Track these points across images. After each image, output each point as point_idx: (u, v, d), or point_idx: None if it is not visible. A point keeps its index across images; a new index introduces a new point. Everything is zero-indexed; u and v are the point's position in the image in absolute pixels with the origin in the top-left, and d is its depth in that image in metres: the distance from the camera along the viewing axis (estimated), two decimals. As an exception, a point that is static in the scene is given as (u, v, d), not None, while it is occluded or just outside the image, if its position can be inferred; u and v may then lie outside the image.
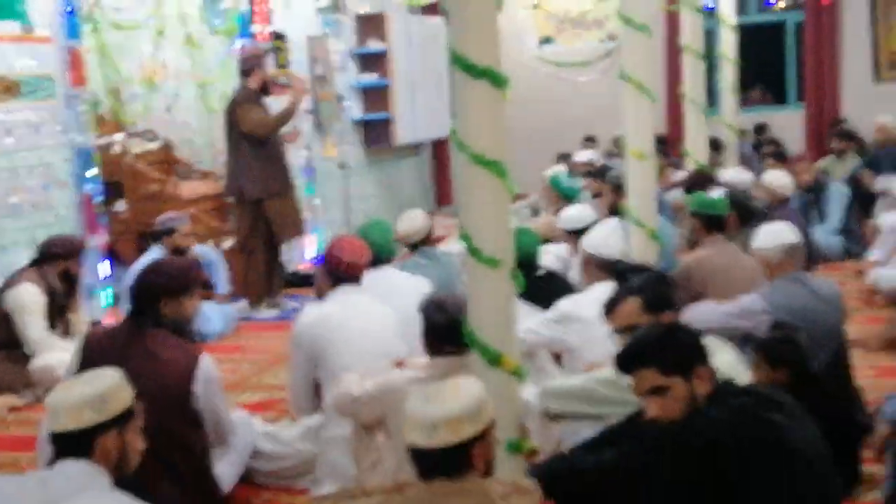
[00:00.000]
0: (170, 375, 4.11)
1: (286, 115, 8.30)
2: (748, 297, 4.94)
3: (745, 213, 6.76)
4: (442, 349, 3.98)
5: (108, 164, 8.79)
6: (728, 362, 3.75)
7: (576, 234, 6.23)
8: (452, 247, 7.32)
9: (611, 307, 4.04)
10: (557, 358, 5.09)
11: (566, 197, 8.31)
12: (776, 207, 7.63)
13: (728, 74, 10.34)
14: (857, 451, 4.36)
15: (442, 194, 14.01)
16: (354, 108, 11.75)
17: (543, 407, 3.94)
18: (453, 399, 2.79)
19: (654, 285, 4.10)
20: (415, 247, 6.36)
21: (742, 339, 4.93)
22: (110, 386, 3.07)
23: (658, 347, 3.22)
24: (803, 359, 4.28)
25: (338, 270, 4.82)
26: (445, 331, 3.94)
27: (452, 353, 3.94)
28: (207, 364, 4.25)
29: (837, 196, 9.31)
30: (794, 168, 9.25)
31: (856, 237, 9.20)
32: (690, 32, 8.55)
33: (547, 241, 7.26)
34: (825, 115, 13.61)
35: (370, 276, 5.04)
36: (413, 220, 6.37)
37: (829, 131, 12.20)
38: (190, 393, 4.15)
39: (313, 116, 10.15)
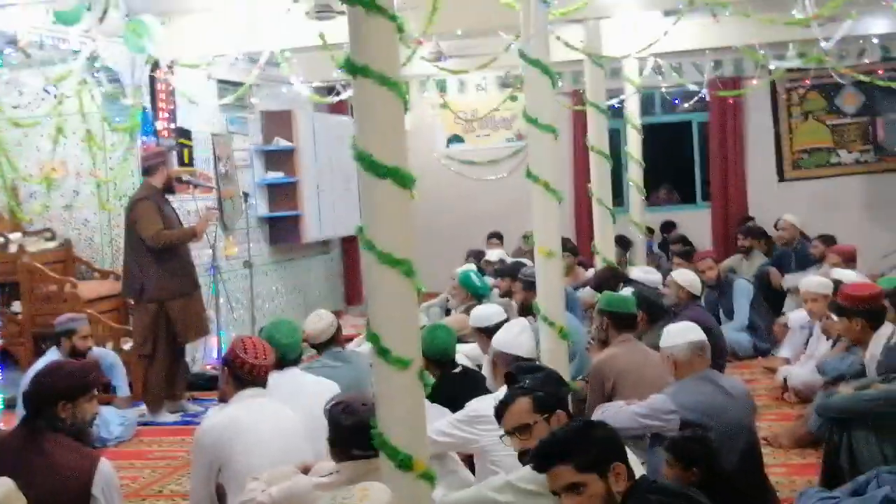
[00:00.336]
0: (67, 481, 3.93)
1: (185, 238, 8.17)
2: (656, 397, 4.92)
3: (653, 311, 6.78)
4: (349, 453, 3.86)
5: (4, 264, 8.56)
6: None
7: (486, 333, 6.18)
8: (362, 346, 7.20)
9: (502, 409, 3.99)
10: (468, 459, 4.98)
11: (477, 295, 8.27)
12: (685, 305, 7.68)
13: (634, 173, 10.51)
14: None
15: (352, 292, 13.89)
16: (260, 206, 11.65)
17: None
18: (363, 504, 2.69)
19: (544, 385, 4.05)
20: (323, 347, 6.22)
21: (652, 439, 4.90)
22: (1, 497, 2.91)
23: (574, 444, 3.17)
24: (713, 456, 4.27)
25: (241, 372, 4.67)
26: (352, 434, 3.83)
27: (360, 456, 3.82)
28: (106, 468, 4.07)
29: (743, 293, 9.43)
30: (699, 265, 9.37)
31: (763, 334, 9.31)
32: (596, 132, 8.68)
33: (458, 339, 7.19)
34: (731, 213, 13.90)
35: (275, 378, 4.89)
36: (320, 320, 6.25)
37: (736, 229, 12.43)
38: (89, 498, 3.96)
39: (217, 214, 10.02)
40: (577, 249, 11.92)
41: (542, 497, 3.41)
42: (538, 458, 3.23)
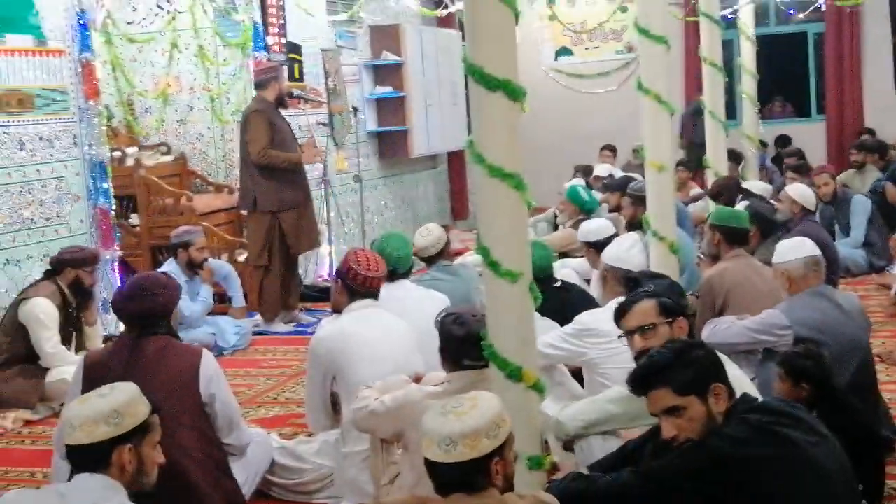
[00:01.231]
0: (176, 378, 4.16)
1: (289, 162, 8.19)
2: (770, 312, 4.85)
3: (767, 225, 6.67)
4: (460, 363, 3.91)
5: (121, 177, 8.77)
6: (735, 377, 3.69)
7: (595, 247, 6.16)
8: (470, 260, 7.26)
9: (625, 308, 4.01)
10: (577, 373, 5.01)
11: (585, 210, 8.24)
12: (798, 220, 7.54)
13: (748, 85, 10.27)
14: (881, 467, 4.28)
15: (459, 207, 13.95)
16: (369, 121, 11.71)
17: (558, 434, 3.88)
18: (472, 414, 2.75)
19: (668, 292, 4.06)
20: (432, 260, 6.29)
21: (764, 355, 4.86)
22: (125, 400, 3.06)
23: (671, 367, 3.16)
24: (826, 374, 4.23)
25: (354, 284, 4.75)
26: (463, 344, 3.88)
27: (471, 367, 3.88)
28: (209, 359, 4.33)
29: (860, 209, 9.20)
30: (815, 180, 9.17)
31: (879, 250, 9.10)
32: (709, 44, 8.47)
33: (565, 254, 7.20)
34: (847, 126, 13.52)
35: (387, 290, 4.97)
36: (430, 234, 6.31)
37: (851, 144, 12.10)
38: (197, 392, 4.19)
39: (327, 129, 10.11)
40: (692, 164, 11.78)
41: None
42: (636, 381, 3.23)
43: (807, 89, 14.33)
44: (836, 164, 12.66)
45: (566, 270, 6.52)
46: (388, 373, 4.35)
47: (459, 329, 3.90)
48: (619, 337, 4.09)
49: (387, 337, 4.65)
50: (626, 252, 5.03)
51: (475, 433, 2.73)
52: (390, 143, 11.97)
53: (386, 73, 11.75)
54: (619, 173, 10.63)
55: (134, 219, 9.31)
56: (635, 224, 6.98)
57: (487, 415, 2.77)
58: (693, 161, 11.64)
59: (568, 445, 4.01)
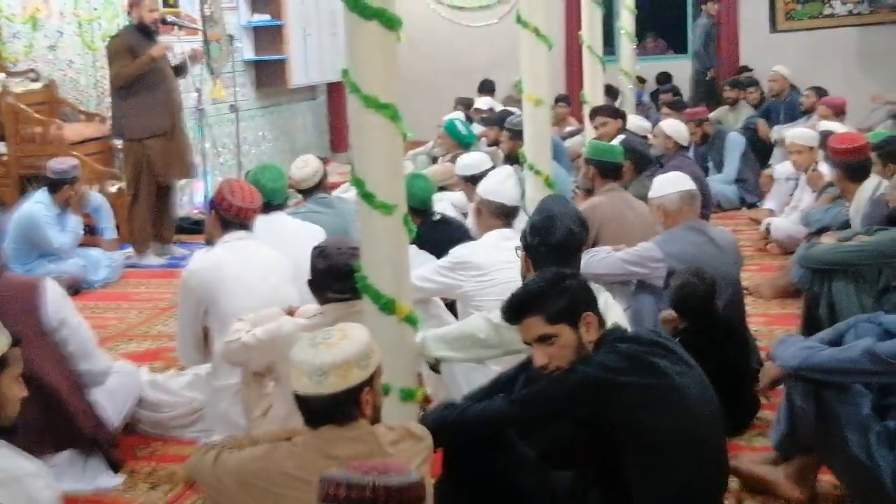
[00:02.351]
0: (18, 310, 4.00)
1: (142, 67, 7.86)
2: (645, 245, 4.94)
3: (640, 161, 6.76)
4: (326, 296, 3.90)
5: (-13, 105, 8.47)
6: (609, 306, 3.76)
7: (472, 181, 6.17)
8: (348, 193, 7.20)
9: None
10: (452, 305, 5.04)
11: (463, 144, 8.22)
12: (672, 156, 7.67)
13: (626, 21, 10.33)
14: (750, 396, 4.43)
15: (338, 139, 13.81)
16: (246, 49, 11.48)
17: (424, 355, 3.88)
18: (342, 345, 2.75)
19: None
20: (309, 193, 6.23)
21: (637, 286, 4.95)
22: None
23: (544, 296, 3.19)
24: (705, 307, 4.35)
25: (228, 215, 4.68)
26: (326, 277, 3.87)
27: (343, 299, 3.86)
28: (52, 286, 4.21)
29: (733, 145, 9.40)
30: (697, 118, 9.33)
31: (751, 186, 9.32)
32: (588, -22, 8.49)
33: (443, 188, 7.20)
34: (723, 64, 13.74)
35: (261, 222, 4.91)
36: (306, 166, 6.23)
37: (723, 81, 12.33)
38: (42, 321, 4.08)
39: (203, 57, 9.88)
40: (570, 100, 11.85)
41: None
42: (510, 310, 3.25)
43: (684, 26, 14.51)
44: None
45: (444, 203, 6.51)
46: (262, 305, 4.32)
47: (322, 262, 3.90)
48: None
49: (261, 269, 4.61)
50: (501, 185, 5.03)
51: (346, 363, 2.73)
52: (268, 73, 11.76)
53: (263, 0, 11.51)
54: (499, 107, 10.65)
55: (1, 147, 9.00)
56: (513, 158, 7.00)
57: (357, 345, 2.77)
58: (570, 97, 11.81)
59: (436, 368, 4.02)
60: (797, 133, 7.71)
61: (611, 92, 10.27)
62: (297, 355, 2.77)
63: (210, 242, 4.88)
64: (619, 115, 8.20)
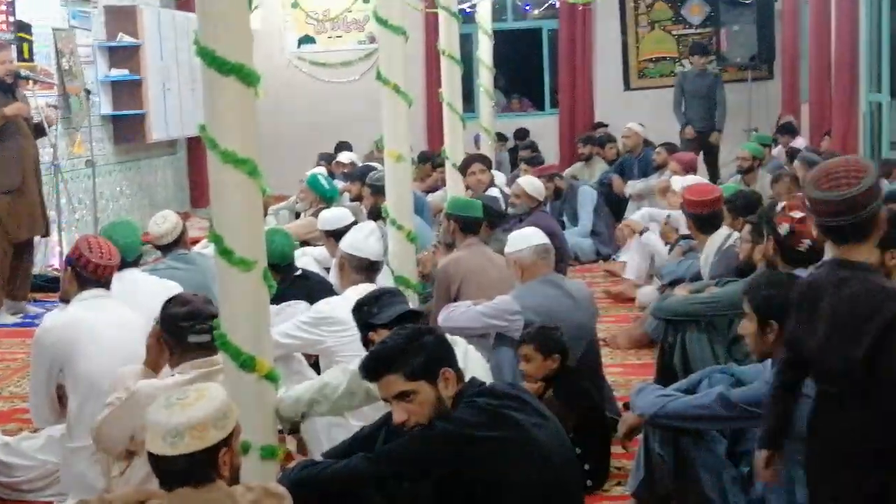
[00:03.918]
0: None
1: None
2: (502, 298, 5.02)
3: (498, 216, 6.87)
4: (188, 340, 3.85)
5: None
6: (471, 359, 3.81)
7: (334, 236, 6.18)
8: (208, 249, 7.12)
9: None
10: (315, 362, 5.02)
11: (325, 198, 8.22)
12: (529, 211, 7.80)
13: (485, 79, 10.53)
14: (607, 446, 4.52)
15: (199, 194, 13.64)
16: (104, 104, 11.29)
17: (282, 414, 3.85)
18: (198, 405, 2.71)
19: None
20: (168, 249, 6.14)
21: (496, 340, 5.01)
22: None
23: (402, 353, 3.20)
24: (568, 348, 4.45)
25: (85, 272, 4.59)
26: (192, 318, 3.85)
27: (204, 345, 3.83)
28: None
29: (587, 199, 9.64)
30: (547, 173, 9.53)
31: (606, 239, 9.55)
32: (447, 37, 8.61)
33: (306, 243, 7.19)
34: (578, 120, 14.13)
35: (117, 280, 4.81)
36: (165, 221, 6.14)
37: (577, 138, 12.63)
38: None
39: (60, 112, 9.68)
40: (433, 156, 11.96)
41: None
42: (368, 368, 3.26)
43: (542, 83, 14.86)
44: (568, 155, 13.24)
45: (306, 259, 6.51)
46: (119, 364, 4.22)
47: (181, 307, 3.89)
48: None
49: (117, 327, 4.51)
50: (364, 240, 5.05)
51: (202, 424, 2.70)
52: (126, 128, 11.56)
53: (122, 55, 11.35)
54: (361, 162, 10.69)
55: None
56: (377, 213, 7.04)
57: (214, 405, 2.74)
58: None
59: (294, 429, 3.99)
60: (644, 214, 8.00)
61: (501, 138, 10.38)
62: (152, 416, 2.73)
63: (66, 300, 4.77)
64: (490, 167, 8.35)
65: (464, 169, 8.29)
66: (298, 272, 5.70)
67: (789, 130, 11.44)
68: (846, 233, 2.94)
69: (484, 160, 8.47)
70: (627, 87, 14.31)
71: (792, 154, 9.60)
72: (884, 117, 10.02)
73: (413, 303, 5.74)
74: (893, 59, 9.42)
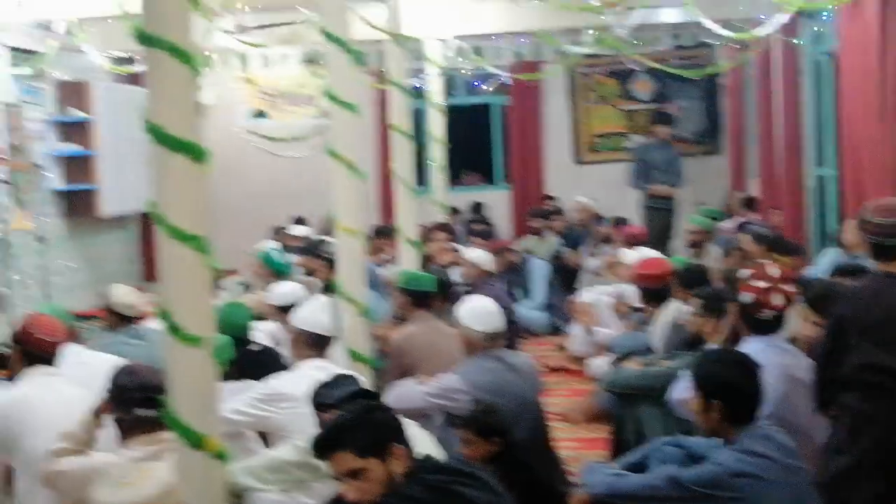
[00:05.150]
0: None
1: None
2: (447, 377, 5.01)
3: (449, 289, 6.88)
4: (136, 413, 3.80)
5: None
6: (418, 438, 3.79)
7: (286, 311, 6.15)
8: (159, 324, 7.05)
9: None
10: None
11: (278, 273, 8.20)
12: (479, 283, 7.82)
13: (437, 154, 10.61)
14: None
15: (151, 269, 13.53)
16: (54, 179, 11.22)
17: (232, 490, 3.80)
18: (142, 484, 2.68)
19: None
20: (125, 322, 6.07)
21: (445, 418, 4.99)
22: None
23: (353, 430, 3.19)
24: (509, 428, 4.41)
25: (33, 349, 4.54)
26: (141, 390, 3.81)
27: (151, 419, 3.77)
28: None
29: (539, 273, 9.68)
30: (500, 247, 9.58)
31: (558, 312, 9.58)
32: (398, 112, 8.71)
33: (259, 317, 7.14)
34: (530, 194, 14.23)
35: (68, 356, 4.76)
36: (131, 292, 6.11)
37: (528, 211, 12.72)
38: None
39: (8, 187, 9.62)
40: (387, 230, 11.98)
41: None
42: (319, 445, 3.24)
43: (493, 158, 15.00)
44: (520, 229, 13.32)
45: (258, 334, 6.47)
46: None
47: (130, 378, 3.86)
48: None
49: (66, 404, 4.44)
50: (313, 315, 5.04)
51: (146, 504, 2.66)
52: (77, 203, 11.48)
53: (73, 130, 11.30)
54: (315, 236, 10.69)
55: None
56: (329, 287, 7.02)
57: (158, 485, 2.70)
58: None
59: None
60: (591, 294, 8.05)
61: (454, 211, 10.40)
62: (97, 495, 2.69)
63: (12, 378, 4.71)
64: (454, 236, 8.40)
65: (426, 238, 8.32)
66: (253, 346, 5.67)
67: (750, 205, 11.59)
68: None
69: (446, 229, 8.51)
70: (578, 161, 14.49)
71: (742, 228, 9.73)
72: (829, 191, 10.17)
73: (369, 378, 5.73)
74: (837, 134, 9.60)
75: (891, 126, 7.62)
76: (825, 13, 9.09)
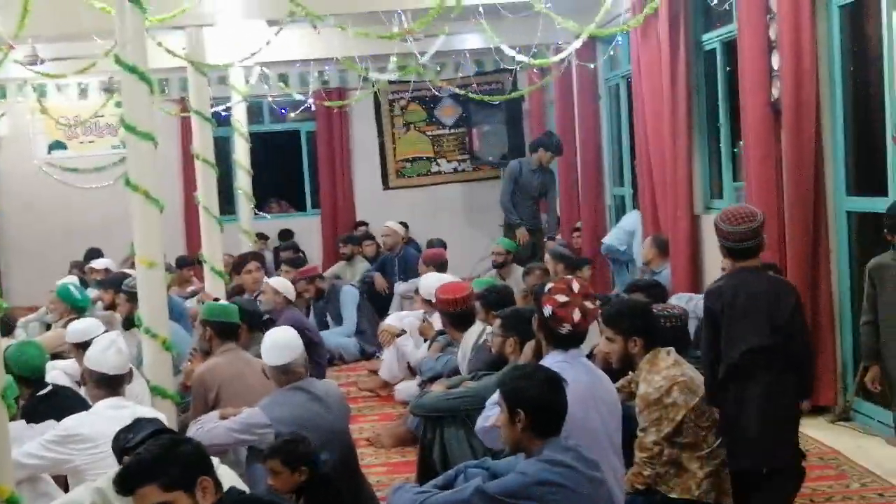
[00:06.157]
0: None
1: None
2: (250, 412, 4.93)
3: (253, 319, 6.79)
4: None
5: None
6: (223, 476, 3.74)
7: (83, 348, 5.95)
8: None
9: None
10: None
11: (77, 308, 7.92)
12: (281, 311, 7.76)
13: (243, 182, 10.53)
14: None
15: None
16: None
17: None
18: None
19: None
20: None
21: (249, 452, 4.93)
22: None
23: (158, 464, 3.14)
24: (316, 457, 4.39)
25: None
26: None
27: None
28: None
29: (349, 299, 9.68)
30: (309, 275, 9.54)
31: (369, 338, 9.57)
32: (201, 140, 8.61)
33: (57, 356, 6.90)
34: (340, 220, 14.28)
35: None
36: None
37: (339, 237, 12.72)
38: None
39: None
40: (192, 260, 11.75)
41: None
42: (122, 481, 3.17)
43: (302, 184, 14.95)
44: (331, 255, 13.32)
45: (55, 372, 6.23)
46: None
47: None
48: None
49: None
50: (103, 354, 4.85)
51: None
52: None
53: None
54: (116, 268, 10.38)
55: None
56: (131, 321, 6.84)
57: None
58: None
59: None
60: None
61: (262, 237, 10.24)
62: None
63: None
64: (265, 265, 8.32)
65: (238, 267, 8.22)
66: (49, 387, 5.45)
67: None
68: (751, 252, 4.47)
69: (258, 258, 8.42)
70: (387, 186, 14.61)
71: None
72: (627, 208, 10.55)
73: (172, 414, 5.62)
74: (633, 154, 9.96)
75: (683, 145, 7.97)
76: (619, 39, 9.42)
